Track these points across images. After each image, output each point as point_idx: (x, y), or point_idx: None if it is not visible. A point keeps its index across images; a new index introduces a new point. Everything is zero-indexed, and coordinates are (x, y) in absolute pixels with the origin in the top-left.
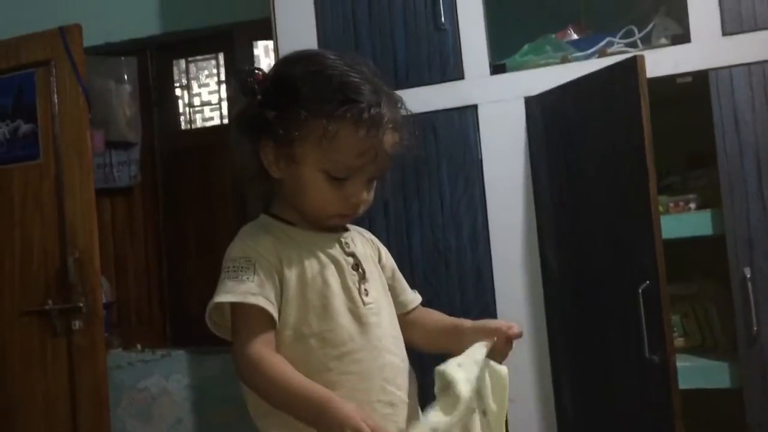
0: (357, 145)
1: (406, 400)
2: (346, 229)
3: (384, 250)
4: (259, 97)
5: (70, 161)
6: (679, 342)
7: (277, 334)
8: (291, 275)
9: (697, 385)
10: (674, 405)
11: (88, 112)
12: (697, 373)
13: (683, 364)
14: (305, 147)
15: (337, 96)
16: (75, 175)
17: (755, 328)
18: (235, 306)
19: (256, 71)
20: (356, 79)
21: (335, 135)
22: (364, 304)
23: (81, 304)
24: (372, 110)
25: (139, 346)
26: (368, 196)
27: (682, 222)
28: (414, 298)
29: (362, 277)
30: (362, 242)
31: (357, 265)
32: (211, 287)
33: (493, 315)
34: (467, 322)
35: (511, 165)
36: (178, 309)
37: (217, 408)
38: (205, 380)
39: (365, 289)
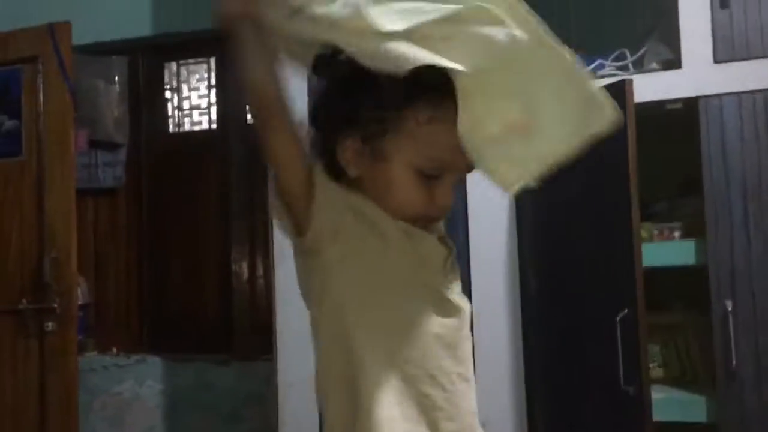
0: (455, 137)
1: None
2: None
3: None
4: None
5: (53, 159)
6: (657, 372)
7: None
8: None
9: (673, 418)
10: None
11: (74, 111)
12: (673, 405)
13: (659, 395)
14: (398, 141)
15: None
16: (56, 173)
17: (734, 363)
18: None
19: None
20: None
21: (435, 127)
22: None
23: (55, 305)
24: None
25: (114, 350)
26: (452, 200)
27: (666, 250)
28: None
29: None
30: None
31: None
32: (193, 293)
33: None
34: None
35: (493, 186)
36: (157, 314)
37: (190, 416)
38: (178, 388)
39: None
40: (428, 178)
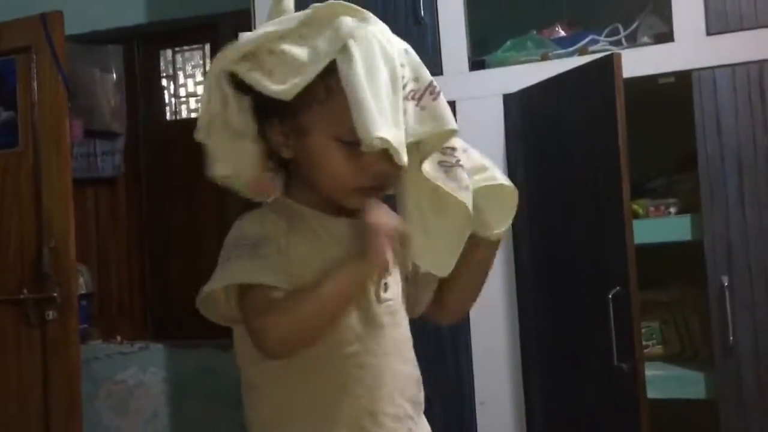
0: None
1: (413, 414)
2: None
3: None
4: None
5: (48, 149)
6: (657, 350)
7: None
8: (296, 260)
9: (671, 395)
10: (642, 415)
11: (68, 101)
12: (671, 382)
13: (657, 372)
14: (311, 113)
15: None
16: (53, 163)
17: (731, 338)
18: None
19: None
20: None
21: (338, 90)
22: (380, 301)
23: (55, 294)
24: None
25: (118, 338)
26: (390, 167)
27: (661, 226)
28: None
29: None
30: None
31: None
32: (194, 280)
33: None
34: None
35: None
36: (159, 301)
37: (193, 402)
38: (181, 374)
39: (385, 284)
40: (354, 145)
